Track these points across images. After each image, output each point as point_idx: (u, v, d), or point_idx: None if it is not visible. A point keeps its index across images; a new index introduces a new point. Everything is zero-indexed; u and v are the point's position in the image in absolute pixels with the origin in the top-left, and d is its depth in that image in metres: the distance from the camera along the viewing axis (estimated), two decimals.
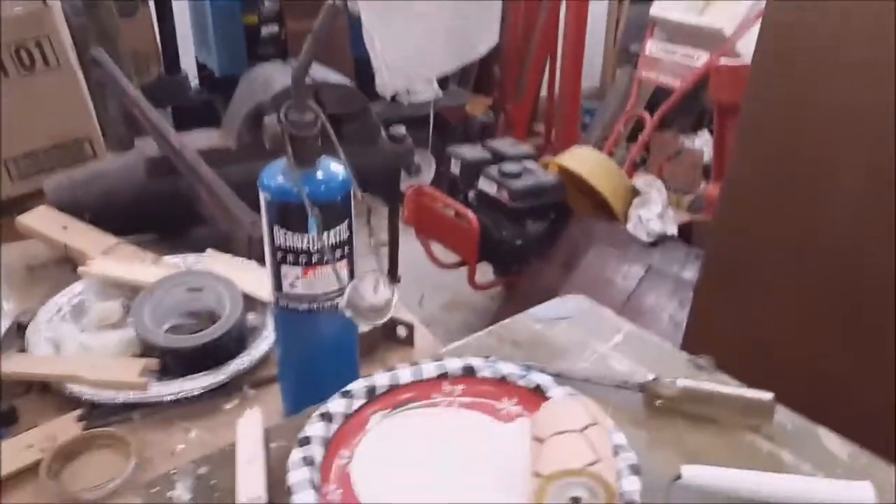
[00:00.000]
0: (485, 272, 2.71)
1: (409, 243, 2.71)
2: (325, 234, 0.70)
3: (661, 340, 0.86)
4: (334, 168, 0.72)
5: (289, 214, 0.70)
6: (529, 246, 2.49)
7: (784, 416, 0.73)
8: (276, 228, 0.71)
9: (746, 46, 2.47)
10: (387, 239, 1.67)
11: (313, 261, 0.72)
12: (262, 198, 0.71)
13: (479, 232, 2.40)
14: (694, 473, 0.60)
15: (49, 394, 0.86)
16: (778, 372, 1.49)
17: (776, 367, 1.47)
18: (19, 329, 0.93)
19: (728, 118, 2.36)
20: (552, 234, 2.52)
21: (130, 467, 0.76)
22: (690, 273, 2.13)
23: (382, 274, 0.64)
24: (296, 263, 0.72)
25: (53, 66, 1.56)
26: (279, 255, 0.72)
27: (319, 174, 0.71)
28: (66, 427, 0.79)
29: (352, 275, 0.75)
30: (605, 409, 0.73)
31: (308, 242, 0.70)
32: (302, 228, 0.70)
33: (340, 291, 0.72)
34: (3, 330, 0.87)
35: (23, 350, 0.90)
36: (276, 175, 0.71)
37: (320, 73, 1.21)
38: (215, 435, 0.82)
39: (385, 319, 0.63)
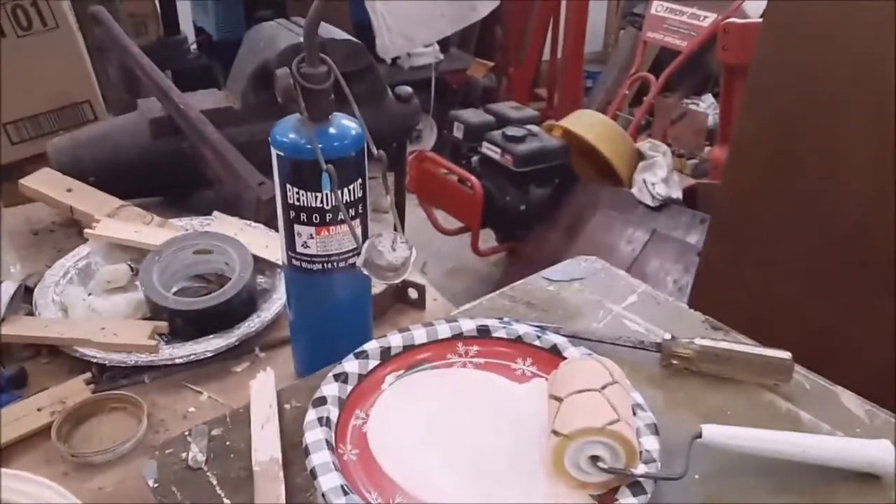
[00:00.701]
0: (487, 238, 2.70)
1: (412, 210, 2.69)
2: (340, 191, 0.68)
3: (675, 301, 0.86)
4: (348, 123, 0.71)
5: (302, 172, 0.68)
6: (533, 211, 2.47)
7: (802, 376, 0.72)
8: (288, 186, 0.69)
9: (754, 6, 2.43)
10: (384, 206, 1.65)
11: (327, 220, 0.70)
12: (274, 154, 0.69)
13: (483, 197, 2.38)
14: (714, 432, 0.60)
15: (58, 357, 0.85)
16: (784, 335, 1.49)
17: (782, 330, 1.47)
18: (27, 292, 0.92)
19: (735, 80, 2.33)
20: (556, 199, 2.50)
21: (142, 429, 0.75)
22: (695, 237, 2.13)
23: (401, 232, 0.63)
24: (309, 223, 0.70)
25: (51, 27, 1.53)
26: (292, 213, 0.71)
27: (333, 130, 0.70)
28: (76, 390, 0.78)
29: (365, 234, 0.74)
30: (622, 370, 0.72)
31: (321, 201, 0.69)
32: (315, 186, 0.68)
33: (355, 251, 0.71)
34: (11, 293, 0.85)
35: (31, 313, 0.89)
36: (289, 131, 0.69)
37: (325, 29, 1.18)
38: (227, 397, 0.82)
39: (403, 277, 0.62)
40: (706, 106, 3.06)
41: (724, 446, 0.60)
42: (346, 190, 0.69)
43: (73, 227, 1.10)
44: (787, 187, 1.38)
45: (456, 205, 2.53)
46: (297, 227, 0.71)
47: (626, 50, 3.34)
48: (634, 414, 0.63)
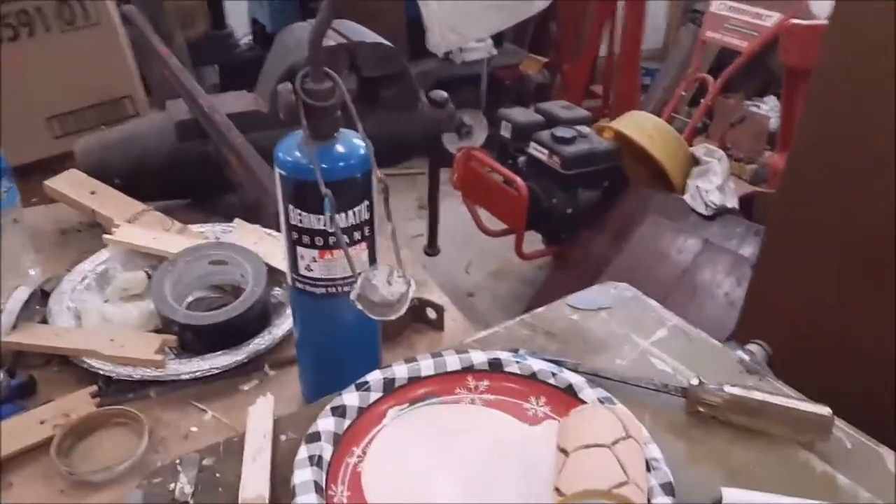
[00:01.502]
0: (534, 240, 2.64)
1: (459, 206, 2.65)
2: (342, 215, 0.65)
3: (708, 337, 0.79)
4: (355, 142, 0.67)
5: (304, 193, 0.65)
6: (581, 215, 2.40)
7: (843, 433, 0.65)
8: (290, 207, 0.66)
9: (821, 6, 2.30)
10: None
11: (330, 243, 0.67)
12: (277, 174, 0.66)
13: (528, 199, 2.33)
14: (736, 498, 0.54)
15: (69, 366, 0.84)
16: (837, 361, 1.40)
17: (837, 355, 1.39)
18: (43, 296, 0.91)
19: (799, 83, 2.22)
20: (605, 203, 2.43)
21: (141, 449, 0.73)
22: (750, 249, 2.03)
23: (399, 265, 0.59)
24: (312, 245, 0.67)
25: (94, 23, 1.54)
26: (294, 235, 0.67)
27: (338, 149, 0.66)
28: (81, 403, 0.77)
29: (373, 258, 0.70)
30: (642, 414, 0.67)
31: (325, 223, 0.65)
32: (318, 209, 0.65)
33: (355, 279, 0.67)
34: (24, 299, 0.85)
35: (44, 320, 0.88)
36: (293, 149, 0.66)
37: (357, 32, 1.14)
38: (231, 416, 0.79)
39: (399, 314, 0.58)
40: (768, 108, 2.93)
41: None
42: (350, 213, 0.66)
43: (98, 229, 1.10)
44: (849, 199, 1.29)
45: (500, 206, 2.47)
46: (299, 249, 0.68)
47: (686, 48, 3.22)
48: (649, 470, 0.58)
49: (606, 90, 3.63)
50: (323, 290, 0.69)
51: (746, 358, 0.76)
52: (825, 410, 0.64)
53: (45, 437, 0.74)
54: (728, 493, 0.54)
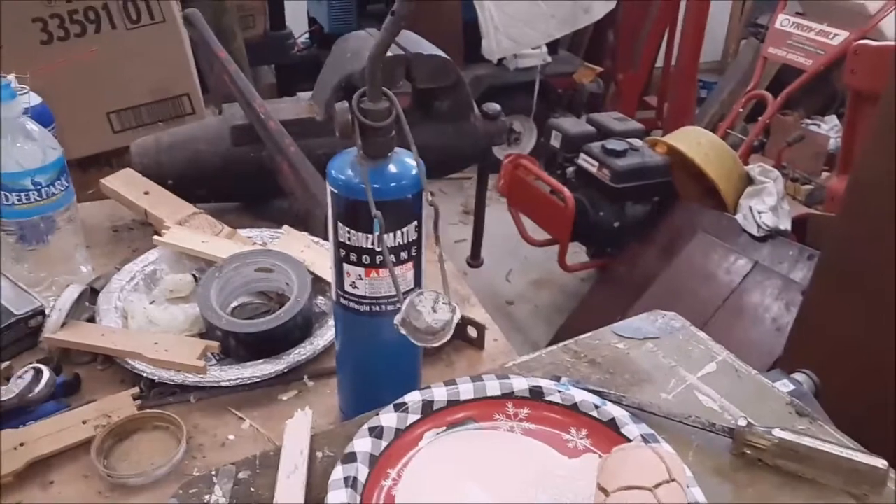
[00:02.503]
0: (578, 251, 2.61)
1: (503, 213, 2.64)
2: (390, 234, 0.64)
3: (759, 374, 0.77)
4: (407, 161, 0.66)
5: (355, 212, 0.64)
6: (628, 229, 2.37)
7: None
8: (339, 224, 0.66)
9: (892, 27, 2.22)
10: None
11: (377, 262, 0.66)
12: (329, 191, 0.66)
13: (575, 211, 2.30)
14: None
15: (113, 365, 0.85)
16: (888, 395, 1.35)
17: (888, 389, 1.33)
18: (92, 293, 0.93)
19: (863, 105, 2.15)
20: (654, 218, 2.39)
21: (179, 454, 0.74)
22: (801, 274, 1.97)
23: (446, 292, 0.58)
24: (359, 263, 0.67)
25: (159, 21, 1.56)
26: (342, 252, 0.67)
27: (391, 168, 0.65)
28: (122, 404, 0.78)
29: (419, 277, 0.70)
30: (686, 452, 0.65)
31: (373, 242, 0.65)
32: (367, 227, 0.64)
33: (400, 302, 0.67)
34: (76, 296, 0.86)
35: (92, 318, 0.90)
36: (345, 168, 0.65)
37: (413, 42, 1.14)
38: (269, 426, 0.79)
39: (443, 342, 0.57)
40: (828, 128, 2.84)
41: None
42: (399, 232, 0.65)
43: (150, 227, 1.11)
44: None
45: (546, 216, 2.45)
46: (346, 266, 0.67)
47: (746, 62, 3.16)
48: None
49: (661, 102, 3.58)
50: (367, 308, 0.69)
51: (795, 400, 0.74)
52: (881, 463, 0.61)
53: (86, 436, 0.75)
54: None
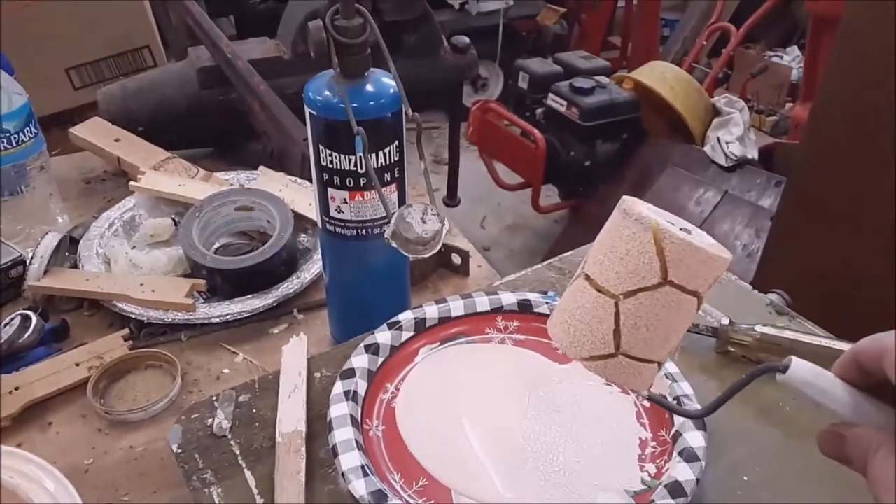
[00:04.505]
0: (550, 194, 2.63)
1: (473, 162, 2.64)
2: (374, 155, 0.64)
3: (738, 279, 0.79)
4: (385, 81, 0.66)
5: (335, 133, 0.64)
6: (599, 167, 2.38)
7: None
8: (321, 147, 0.66)
9: None
10: (447, 157, 1.60)
11: (361, 184, 0.66)
12: (307, 113, 0.66)
13: (546, 152, 2.31)
14: (803, 371, 0.40)
15: (100, 310, 0.85)
16: (858, 314, 1.40)
17: (857, 307, 1.38)
18: (72, 243, 0.92)
19: (824, 32, 2.17)
20: (624, 155, 2.41)
21: (175, 389, 0.75)
22: (769, 201, 2.01)
23: (432, 203, 0.59)
24: (342, 187, 0.67)
25: None
26: (325, 176, 0.67)
27: (369, 88, 0.65)
28: (114, 346, 0.78)
29: (403, 199, 0.70)
30: (673, 354, 0.67)
31: (356, 164, 0.65)
32: (349, 149, 0.64)
33: (389, 218, 0.67)
34: (55, 245, 0.85)
35: (74, 265, 0.89)
36: (323, 89, 0.65)
37: None
38: (262, 359, 0.80)
39: (433, 252, 0.58)
40: (790, 59, 2.87)
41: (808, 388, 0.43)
42: (380, 153, 0.65)
43: (123, 178, 1.10)
44: (874, 149, 1.27)
45: (518, 159, 2.46)
46: (330, 191, 0.67)
47: None
48: (681, 405, 0.58)
49: (625, 41, 3.57)
50: (353, 233, 0.69)
51: (775, 300, 0.76)
52: None
53: (80, 378, 0.75)
54: (798, 363, 0.41)
